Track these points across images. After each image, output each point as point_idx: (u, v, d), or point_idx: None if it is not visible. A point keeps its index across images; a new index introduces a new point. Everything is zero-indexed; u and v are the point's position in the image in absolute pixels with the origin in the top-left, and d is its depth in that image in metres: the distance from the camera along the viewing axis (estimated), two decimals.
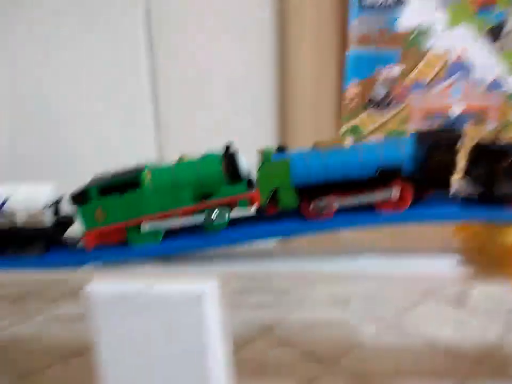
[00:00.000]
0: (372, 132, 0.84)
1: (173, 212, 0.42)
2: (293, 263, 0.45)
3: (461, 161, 0.43)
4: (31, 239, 0.44)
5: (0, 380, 0.59)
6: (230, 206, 0.42)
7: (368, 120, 0.84)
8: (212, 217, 0.42)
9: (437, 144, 0.41)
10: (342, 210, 0.42)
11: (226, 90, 0.83)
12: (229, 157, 0.42)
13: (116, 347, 0.39)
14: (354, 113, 0.83)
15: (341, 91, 0.82)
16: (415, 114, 0.83)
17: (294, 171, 0.42)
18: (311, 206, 0.42)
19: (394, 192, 0.41)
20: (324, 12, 0.79)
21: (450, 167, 0.42)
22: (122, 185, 0.41)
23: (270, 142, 0.84)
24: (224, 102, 0.84)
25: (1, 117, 0.85)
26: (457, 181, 0.44)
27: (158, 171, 0.43)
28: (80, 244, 0.45)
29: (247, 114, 0.84)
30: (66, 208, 0.46)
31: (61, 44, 0.81)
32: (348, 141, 0.45)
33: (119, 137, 0.85)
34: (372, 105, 0.83)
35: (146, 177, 0.42)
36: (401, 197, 0.42)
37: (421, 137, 0.42)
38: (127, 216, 0.42)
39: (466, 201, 0.43)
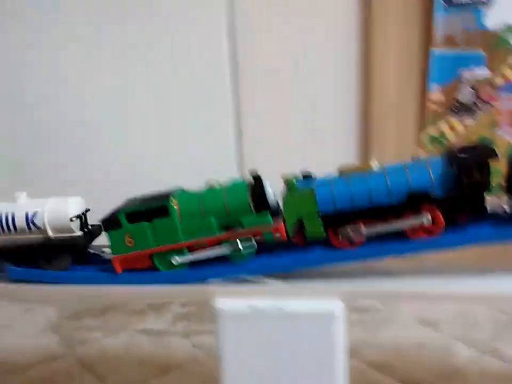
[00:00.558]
0: (457, 137, 0.80)
1: (199, 241, 0.42)
2: (376, 281, 0.42)
3: (498, 177, 0.39)
4: (62, 250, 0.45)
5: None
6: (255, 236, 0.41)
7: (453, 125, 0.80)
8: (239, 247, 0.41)
9: (468, 163, 0.38)
10: (371, 238, 0.40)
11: (308, 90, 0.81)
12: (256, 186, 0.41)
13: (241, 363, 0.38)
14: (438, 117, 0.80)
15: (424, 94, 0.79)
16: (504, 118, 0.79)
17: (319, 199, 0.40)
18: (339, 235, 0.41)
19: (426, 218, 0.39)
20: (409, 12, 0.76)
21: (483, 187, 0.38)
22: (150, 212, 0.42)
23: (352, 144, 0.81)
24: (306, 101, 0.81)
25: (72, 121, 0.86)
26: (494, 200, 0.40)
27: (185, 199, 0.43)
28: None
29: (329, 114, 0.82)
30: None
31: (135, 44, 0.81)
32: (374, 165, 0.41)
33: (196, 141, 0.84)
34: (457, 109, 0.79)
35: (174, 205, 0.42)
36: (434, 222, 0.39)
37: (450, 156, 0.39)
38: (155, 243, 0.42)
39: (506, 221, 0.39)
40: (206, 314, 0.80)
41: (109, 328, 0.77)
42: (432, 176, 0.39)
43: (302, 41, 0.79)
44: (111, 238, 0.43)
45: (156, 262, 0.43)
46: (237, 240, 0.41)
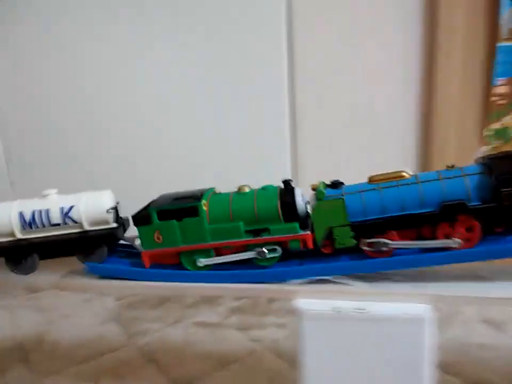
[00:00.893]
0: None
1: (226, 244, 0.42)
2: (461, 284, 0.40)
3: None
4: (99, 242, 0.47)
5: None
6: (282, 244, 0.42)
7: None
8: (264, 253, 0.42)
9: (507, 172, 0.36)
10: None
11: (367, 89, 0.79)
12: (286, 194, 0.42)
13: (322, 365, 0.38)
14: (502, 111, 0.77)
15: (488, 89, 0.76)
16: None
17: (349, 209, 0.40)
18: (370, 245, 0.40)
19: (459, 241, 0.38)
20: (475, 6, 0.73)
21: None
22: (181, 211, 0.43)
23: (412, 143, 0.79)
24: (365, 99, 0.80)
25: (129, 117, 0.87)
26: None
27: (216, 201, 0.43)
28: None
29: (389, 112, 0.80)
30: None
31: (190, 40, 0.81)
32: (407, 174, 0.40)
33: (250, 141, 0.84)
34: None
35: (204, 206, 0.42)
36: (469, 235, 0.38)
37: (488, 164, 0.37)
38: (183, 242, 0.43)
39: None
40: (259, 309, 0.81)
41: (167, 320, 0.78)
42: (468, 185, 0.37)
43: (361, 37, 0.77)
44: (141, 233, 0.44)
45: (183, 261, 0.44)
46: (263, 246, 0.42)
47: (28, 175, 0.89)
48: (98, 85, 0.85)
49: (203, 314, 0.80)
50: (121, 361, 0.67)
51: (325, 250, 0.42)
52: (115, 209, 0.48)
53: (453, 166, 0.39)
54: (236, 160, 0.83)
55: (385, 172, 0.41)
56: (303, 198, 0.42)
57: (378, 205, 0.40)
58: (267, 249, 0.41)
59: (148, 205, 0.45)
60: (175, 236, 0.43)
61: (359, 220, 0.40)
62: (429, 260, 0.39)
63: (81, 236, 0.47)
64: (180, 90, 0.84)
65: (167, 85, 0.83)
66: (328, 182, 0.43)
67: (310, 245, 0.41)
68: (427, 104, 0.79)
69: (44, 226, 0.47)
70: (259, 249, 0.42)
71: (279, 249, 0.41)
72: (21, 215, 0.47)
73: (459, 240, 0.38)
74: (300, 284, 0.41)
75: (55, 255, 0.48)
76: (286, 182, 0.43)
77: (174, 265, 0.45)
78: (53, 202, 0.47)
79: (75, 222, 0.47)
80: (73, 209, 0.46)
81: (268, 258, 0.42)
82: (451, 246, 0.38)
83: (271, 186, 0.44)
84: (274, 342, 0.70)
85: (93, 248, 0.47)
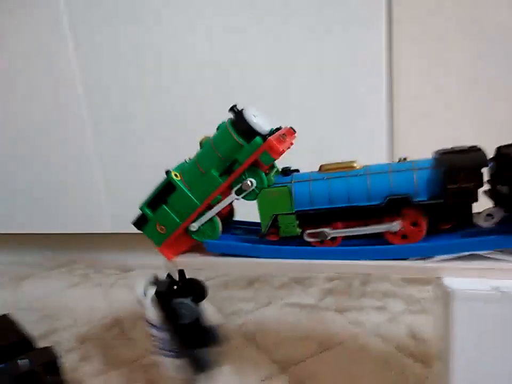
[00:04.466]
0: None
1: (212, 197, 0.43)
2: None
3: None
4: None
5: (258, 366, 0.59)
6: (258, 167, 0.41)
7: None
8: (249, 185, 0.41)
9: (454, 169, 0.35)
10: (349, 238, 0.40)
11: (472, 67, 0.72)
12: (237, 120, 0.41)
13: (477, 352, 0.34)
14: None
15: None
16: None
17: (295, 198, 0.40)
18: (314, 234, 0.40)
19: (400, 226, 0.37)
20: None
21: (469, 195, 0.35)
22: (162, 193, 0.44)
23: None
24: (468, 76, 0.72)
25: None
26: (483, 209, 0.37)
27: (184, 167, 0.44)
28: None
29: (493, 88, 0.72)
30: None
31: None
32: (357, 165, 0.40)
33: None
34: None
35: (177, 177, 0.43)
36: (414, 228, 0.37)
37: (438, 160, 0.36)
38: (180, 218, 0.44)
39: (491, 230, 0.36)
40: (353, 291, 0.78)
41: (260, 301, 0.77)
42: (416, 180, 0.37)
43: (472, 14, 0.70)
44: (147, 233, 0.46)
45: (195, 237, 0.45)
46: (243, 176, 0.41)
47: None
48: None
49: (295, 295, 0.78)
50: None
51: (271, 238, 0.42)
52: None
53: (405, 159, 0.39)
54: (332, 130, 0.79)
55: (336, 162, 0.41)
56: (260, 114, 0.41)
57: (325, 195, 0.39)
58: (249, 180, 0.41)
59: (140, 205, 0.46)
60: (172, 217, 0.44)
61: (305, 209, 0.40)
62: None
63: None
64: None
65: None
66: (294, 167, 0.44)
67: (277, 150, 0.39)
68: None
69: None
70: (242, 183, 0.41)
71: (260, 174, 0.41)
72: None
73: (399, 225, 0.37)
74: (444, 260, 0.37)
75: None
76: (233, 108, 0.41)
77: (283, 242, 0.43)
78: None
79: None
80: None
81: (255, 188, 0.41)
82: (392, 230, 0.38)
83: (223, 122, 0.43)
84: (377, 325, 0.66)
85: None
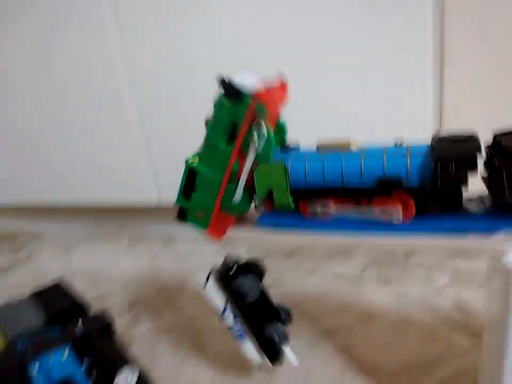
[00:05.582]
0: None
1: (230, 167, 0.45)
2: None
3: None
4: None
5: (301, 333, 0.60)
6: (255, 122, 0.42)
7: None
8: (254, 139, 0.42)
9: (446, 156, 0.36)
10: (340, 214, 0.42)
11: None
12: (225, 88, 0.43)
13: None
14: None
15: None
16: None
17: (291, 174, 0.42)
18: (308, 209, 0.43)
19: (395, 213, 0.39)
20: None
21: (459, 182, 0.36)
22: (188, 182, 0.47)
23: None
24: None
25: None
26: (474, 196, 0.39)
27: (198, 152, 0.47)
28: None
29: None
30: None
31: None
32: (354, 144, 0.41)
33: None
34: None
35: (195, 161, 0.46)
36: (404, 211, 0.39)
37: (433, 146, 0.37)
38: (211, 201, 0.46)
39: (481, 214, 0.37)
40: (396, 263, 0.77)
41: (302, 270, 0.78)
42: (409, 165, 0.38)
43: None
44: (192, 223, 0.48)
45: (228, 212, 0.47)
46: (248, 137, 0.43)
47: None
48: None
49: (338, 265, 0.78)
50: None
51: (266, 208, 0.45)
52: None
53: (401, 144, 0.39)
54: (379, 107, 0.77)
55: (334, 139, 0.42)
56: (251, 75, 0.43)
57: (319, 174, 0.41)
58: (254, 133, 0.42)
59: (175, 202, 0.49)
60: (205, 201, 0.47)
61: (300, 185, 0.42)
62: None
63: None
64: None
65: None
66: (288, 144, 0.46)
67: (267, 98, 0.42)
68: None
69: None
70: (250, 138, 0.43)
71: (262, 126, 0.42)
72: None
73: (397, 213, 0.39)
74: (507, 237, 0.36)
75: None
76: (220, 79, 0.43)
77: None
78: None
79: None
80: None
81: (263, 145, 0.42)
82: (386, 216, 0.39)
83: (216, 97, 0.45)
84: (422, 297, 0.66)
85: None
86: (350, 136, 0.42)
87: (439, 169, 0.36)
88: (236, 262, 0.50)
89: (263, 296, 0.51)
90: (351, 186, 0.40)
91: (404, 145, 0.40)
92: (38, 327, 0.56)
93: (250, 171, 0.44)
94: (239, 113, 0.43)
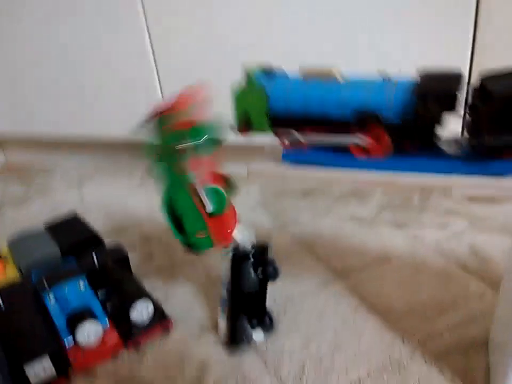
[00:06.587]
0: None
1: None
2: None
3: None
4: None
5: (314, 272, 0.60)
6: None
7: None
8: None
9: (425, 92, 0.35)
10: (317, 147, 0.41)
11: None
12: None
13: None
14: None
15: None
16: None
17: (271, 98, 0.41)
18: (284, 136, 0.42)
19: (364, 141, 0.38)
20: None
21: (436, 120, 0.36)
22: (172, 218, 0.48)
23: None
24: None
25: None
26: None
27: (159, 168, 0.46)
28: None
29: None
30: None
31: None
32: (338, 73, 0.40)
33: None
34: None
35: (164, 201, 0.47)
36: (378, 145, 0.38)
37: (417, 82, 0.36)
38: (201, 216, 0.46)
39: (456, 155, 0.37)
40: (412, 206, 0.76)
41: (317, 211, 0.77)
42: (389, 99, 0.37)
43: None
44: (203, 247, 0.48)
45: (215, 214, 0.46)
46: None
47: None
48: None
49: (353, 207, 0.77)
50: (277, 247, 0.67)
51: (242, 132, 0.44)
52: None
53: (389, 78, 0.38)
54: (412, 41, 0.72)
55: (319, 67, 0.40)
56: None
57: (300, 101, 0.40)
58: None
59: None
60: (194, 221, 0.46)
61: (278, 111, 0.41)
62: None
63: None
64: None
65: None
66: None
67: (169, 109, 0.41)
68: None
69: None
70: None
71: None
72: None
73: (366, 141, 0.38)
74: None
75: None
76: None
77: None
78: None
79: None
80: None
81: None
82: (359, 144, 0.39)
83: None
84: (438, 241, 0.65)
85: None
86: (333, 66, 0.41)
87: (419, 103, 0.35)
88: (256, 251, 0.49)
89: (261, 295, 0.50)
90: (331, 118, 0.39)
91: (392, 79, 0.38)
92: (53, 259, 0.57)
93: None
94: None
